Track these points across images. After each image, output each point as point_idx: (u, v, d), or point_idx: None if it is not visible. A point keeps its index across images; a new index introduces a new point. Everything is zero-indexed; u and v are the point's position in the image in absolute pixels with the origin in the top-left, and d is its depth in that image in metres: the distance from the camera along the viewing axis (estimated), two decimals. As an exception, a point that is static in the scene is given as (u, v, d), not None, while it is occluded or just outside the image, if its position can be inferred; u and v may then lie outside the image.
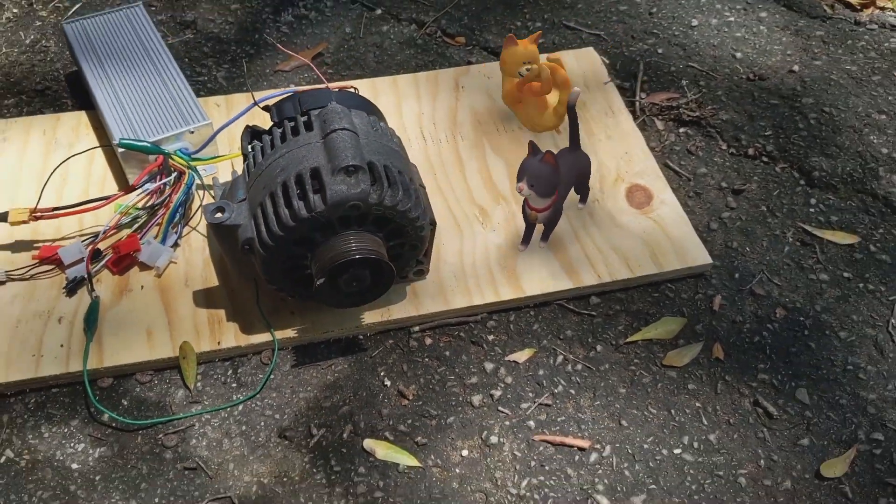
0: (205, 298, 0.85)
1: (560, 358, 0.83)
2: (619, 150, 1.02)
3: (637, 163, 1.00)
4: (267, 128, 0.81)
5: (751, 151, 1.05)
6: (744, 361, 0.83)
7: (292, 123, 0.77)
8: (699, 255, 0.90)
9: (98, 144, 0.99)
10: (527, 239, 0.90)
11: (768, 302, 0.88)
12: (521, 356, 0.83)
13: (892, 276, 0.91)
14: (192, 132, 0.95)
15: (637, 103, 1.11)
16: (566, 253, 0.90)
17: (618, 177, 0.99)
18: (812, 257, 0.93)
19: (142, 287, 0.86)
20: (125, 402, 0.78)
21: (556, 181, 0.83)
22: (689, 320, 0.86)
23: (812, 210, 0.98)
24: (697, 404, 0.80)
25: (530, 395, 0.80)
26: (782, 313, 0.87)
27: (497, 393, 0.80)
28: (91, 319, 0.81)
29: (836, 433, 0.77)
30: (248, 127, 0.83)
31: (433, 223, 0.79)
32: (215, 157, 0.96)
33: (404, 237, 0.77)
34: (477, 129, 1.04)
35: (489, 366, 0.82)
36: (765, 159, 1.04)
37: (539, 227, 0.89)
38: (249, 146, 0.81)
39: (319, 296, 0.75)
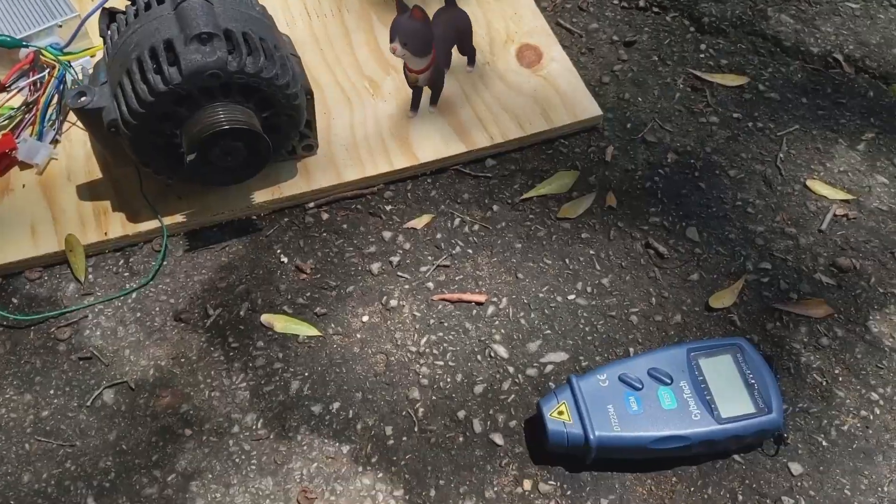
0: (89, 191, 0.82)
1: (457, 221, 0.83)
2: (508, 10, 0.99)
3: (526, 22, 0.98)
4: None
5: (642, 3, 1.03)
6: (636, 207, 0.84)
7: (146, -2, 0.73)
8: (589, 108, 0.89)
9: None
10: (415, 105, 0.88)
11: (660, 148, 0.89)
12: (419, 222, 0.83)
13: (780, 113, 0.92)
14: (61, 26, 0.90)
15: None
16: (457, 116, 0.89)
17: (507, 38, 0.96)
18: (702, 101, 0.93)
19: (23, 186, 0.82)
20: (15, 300, 0.76)
21: (429, 37, 0.81)
22: (582, 173, 0.86)
23: (702, 56, 0.98)
24: (591, 252, 0.81)
25: (429, 258, 0.80)
26: (673, 157, 0.88)
27: (396, 259, 0.80)
28: (-33, 223, 0.78)
29: (725, 266, 0.79)
30: (105, 9, 0.78)
31: (309, 93, 0.77)
32: (90, 49, 0.91)
33: (277, 107, 0.74)
34: (363, 2, 1.00)
35: (387, 234, 0.82)
36: (655, 10, 1.03)
37: (427, 92, 0.88)
38: (107, 28, 0.77)
39: (195, 174, 0.73)
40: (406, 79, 0.85)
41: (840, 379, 0.72)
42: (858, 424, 0.69)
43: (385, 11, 0.99)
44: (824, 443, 0.68)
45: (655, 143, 0.89)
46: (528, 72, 0.93)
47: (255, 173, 0.76)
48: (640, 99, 0.93)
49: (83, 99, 0.71)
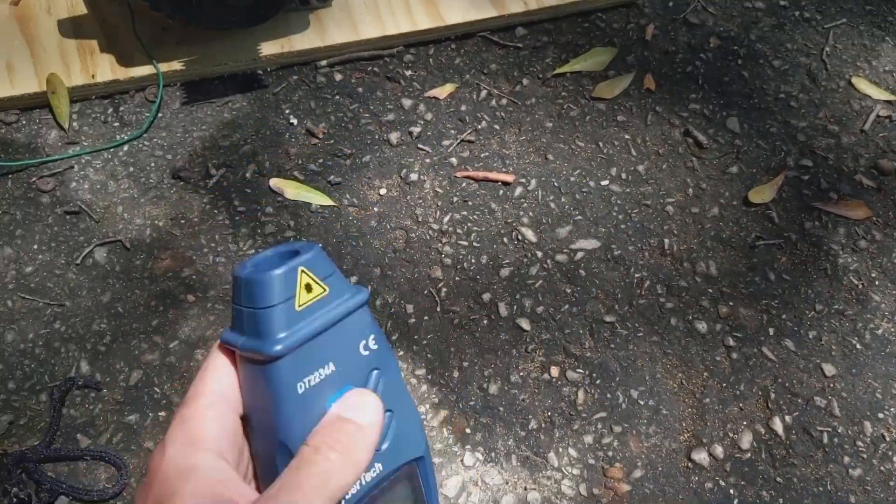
0: (73, 28, 0.72)
1: (484, 93, 0.76)
2: None
3: None
4: None
5: None
6: (675, 92, 0.78)
7: None
8: (633, -19, 0.82)
9: None
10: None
11: (702, 31, 0.82)
12: (442, 92, 0.76)
13: (828, 5, 0.86)
14: None
15: None
16: (489, -22, 0.80)
17: None
18: (750, -14, 0.86)
19: (-7, 19, 0.72)
20: (-12, 147, 0.68)
21: None
22: (619, 51, 0.80)
23: (753, -63, 0.90)
24: (626, 136, 0.75)
25: (452, 131, 0.74)
26: (716, 42, 0.82)
27: (416, 130, 0.73)
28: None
29: (766, 161, 0.75)
30: None
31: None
32: None
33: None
34: None
35: (407, 102, 0.75)
36: None
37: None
38: None
39: (202, 12, 0.65)
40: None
41: (877, 283, 0.69)
42: (893, 329, 0.67)
43: None
44: (858, 346, 0.66)
45: (698, 26, 0.83)
46: (565, -65, 0.84)
47: (268, 17, 0.68)
48: (682, -24, 0.86)
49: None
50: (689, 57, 0.81)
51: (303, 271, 0.25)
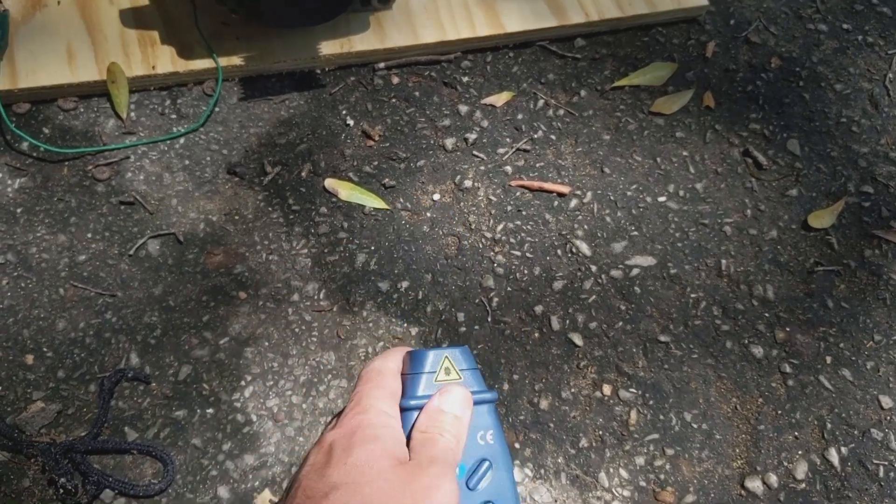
0: (134, 18, 0.72)
1: (541, 102, 0.75)
2: None
3: None
4: None
5: None
6: (735, 111, 0.77)
7: None
8: (696, -3, 0.81)
9: None
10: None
11: (763, 51, 0.81)
12: (499, 99, 0.75)
13: (892, 30, 0.84)
14: None
15: None
16: (550, -13, 0.79)
17: None
18: (811, 6, 0.85)
19: (58, 2, 0.72)
20: (47, 131, 0.68)
21: None
22: (679, 66, 0.79)
23: (816, -42, 0.89)
24: (685, 153, 0.74)
25: (508, 140, 0.73)
26: (777, 63, 0.81)
27: (472, 137, 0.73)
28: (2, 34, 0.68)
29: (826, 185, 0.73)
30: None
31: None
32: None
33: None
34: None
35: (463, 108, 0.74)
36: None
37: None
38: None
39: (266, 8, 0.64)
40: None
41: (938, 317, 0.67)
42: (954, 365, 0.65)
43: None
44: (918, 380, 0.64)
45: (759, 45, 0.81)
46: (628, -53, 0.83)
47: (333, 16, 0.67)
48: (745, -6, 0.85)
49: None
50: (749, 76, 0.79)
51: (446, 357, 0.34)
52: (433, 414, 0.34)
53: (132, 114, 0.69)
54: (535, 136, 0.74)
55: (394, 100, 0.74)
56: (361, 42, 0.74)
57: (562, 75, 0.77)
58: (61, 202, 0.65)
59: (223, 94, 0.71)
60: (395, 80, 0.75)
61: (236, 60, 0.71)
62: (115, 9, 0.72)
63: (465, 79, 0.76)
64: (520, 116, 0.74)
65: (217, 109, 0.71)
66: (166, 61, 0.70)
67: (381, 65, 0.75)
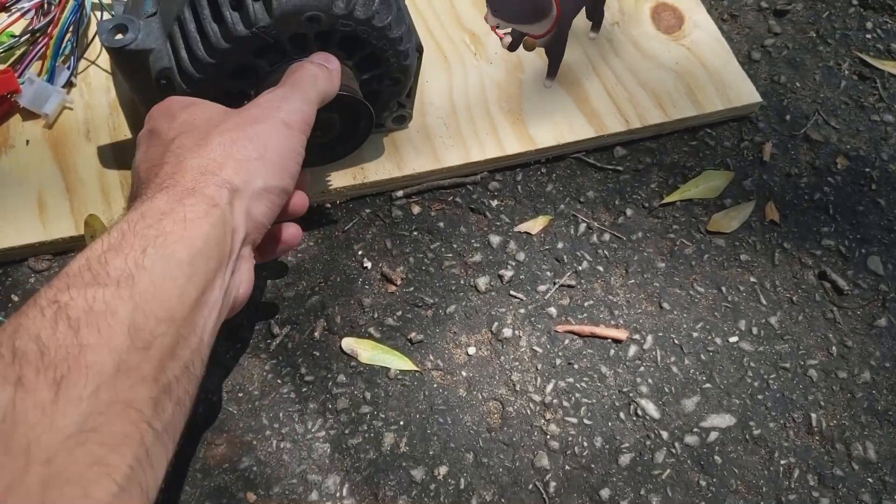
0: (115, 156, 0.63)
1: (582, 227, 0.66)
2: (641, -41, 0.80)
3: (663, -24, 0.79)
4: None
5: (793, -36, 0.85)
6: (804, 224, 0.68)
7: None
8: (746, 92, 0.72)
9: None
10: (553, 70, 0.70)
11: (826, 150, 0.72)
12: (535, 226, 0.66)
13: (968, 118, 0.75)
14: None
15: None
16: (582, 91, 0.70)
17: (641, -6, 0.78)
18: (873, 94, 0.76)
19: (27, 142, 0.63)
20: (16, 298, 0.58)
21: (521, 5, 0.63)
22: (735, 174, 0.69)
23: (869, 36, 0.80)
24: (752, 279, 0.64)
25: (548, 274, 0.63)
26: (844, 163, 0.71)
27: (507, 273, 0.63)
28: (-46, 189, 0.59)
29: (916, 309, 0.64)
30: (154, -90, 0.58)
31: (420, 49, 0.58)
32: (113, -36, 0.70)
33: (383, 67, 0.56)
34: (459, -69, 0.80)
35: (495, 239, 0.65)
36: (810, -26, 0.85)
37: (538, 56, 0.69)
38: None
39: (273, 152, 0.55)
40: (515, 45, 0.67)
41: None
42: None
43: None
44: None
45: (821, 143, 0.72)
46: (666, 38, 0.75)
47: (347, 153, 0.58)
48: (797, 84, 0.76)
49: (122, 37, 0.52)
50: (814, 181, 0.70)
51: None
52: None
53: (115, 271, 0.60)
54: (580, 267, 0.64)
55: (416, 233, 0.64)
56: (376, 169, 0.65)
57: (603, 192, 0.68)
58: (33, 388, 0.55)
59: (220, 239, 0.62)
60: (416, 209, 0.66)
61: (233, 200, 0.62)
62: (93, 146, 0.63)
63: (495, 203, 0.67)
64: (560, 245, 0.65)
65: (213, 259, 0.61)
66: (153, 207, 0.60)
67: (400, 193, 0.66)
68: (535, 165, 0.69)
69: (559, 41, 0.66)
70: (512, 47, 0.70)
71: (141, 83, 0.55)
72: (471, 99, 0.69)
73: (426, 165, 0.65)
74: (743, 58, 0.77)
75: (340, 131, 0.56)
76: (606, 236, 0.66)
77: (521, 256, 0.64)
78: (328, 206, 0.65)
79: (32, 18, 0.66)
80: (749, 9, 0.81)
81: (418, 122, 0.67)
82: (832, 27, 0.80)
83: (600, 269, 0.64)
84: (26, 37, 0.65)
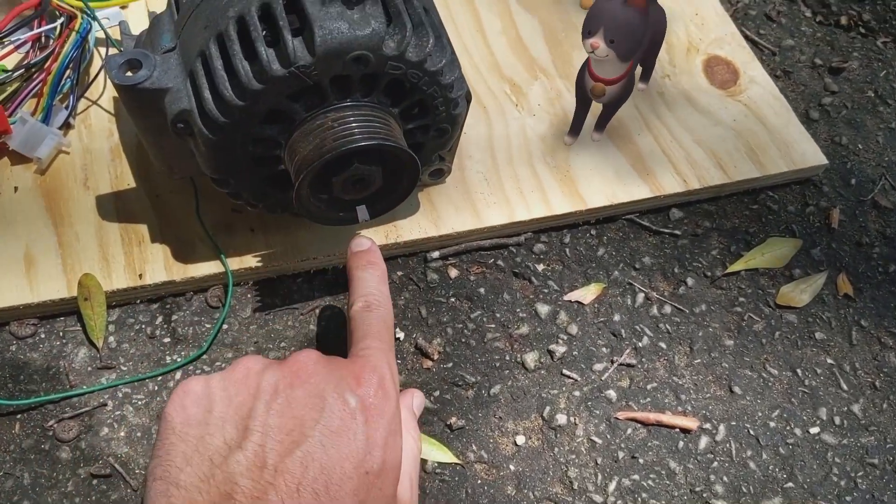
0: (116, 206, 0.56)
1: (640, 297, 0.59)
2: (687, 9, 0.75)
3: (713, 27, 0.74)
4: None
5: (843, 21, 0.80)
6: (880, 299, 0.61)
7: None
8: (810, 153, 0.66)
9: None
10: (577, 127, 0.64)
11: (898, 218, 0.66)
12: (587, 294, 0.59)
13: None
14: (86, -45, 0.63)
15: (696, -48, 0.84)
16: (634, 147, 0.64)
17: (690, 45, 0.73)
18: (941, 159, 0.71)
19: (15, 189, 0.56)
20: (-8, 370, 0.50)
21: (643, 36, 0.57)
22: (802, 242, 0.63)
23: (930, 98, 0.75)
24: (829, 360, 0.58)
25: (605, 350, 0.56)
26: (918, 233, 0.65)
27: (559, 349, 0.56)
28: (-71, 240, 0.51)
29: None
30: (175, -65, 0.52)
31: (469, 97, 0.52)
32: (122, -5, 0.64)
33: (430, 116, 0.49)
34: (496, -25, 0.75)
35: (543, 309, 0.57)
36: (862, 31, 0.80)
37: (593, 111, 0.63)
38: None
39: (301, 208, 0.48)
40: (581, 89, 0.61)
41: None
42: None
43: (526, -8, 0.74)
44: None
45: (890, 210, 0.66)
46: (721, 93, 0.69)
47: (386, 210, 0.51)
48: (860, 146, 0.70)
49: (134, 74, 0.45)
50: (887, 251, 0.64)
51: None
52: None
53: (111, 339, 0.52)
54: (640, 343, 0.57)
55: (453, 299, 0.57)
56: (411, 228, 0.58)
57: (660, 258, 0.61)
58: (9, 478, 0.46)
59: (234, 304, 0.54)
60: (454, 272, 0.58)
61: (251, 260, 0.54)
62: (91, 195, 0.56)
63: (541, 267, 0.60)
64: (617, 318, 0.58)
65: (226, 326, 0.53)
66: (158, 266, 0.53)
67: (436, 254, 0.59)
68: (584, 227, 0.62)
69: (628, 88, 0.60)
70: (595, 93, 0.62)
71: (153, 127, 0.48)
72: (513, 153, 0.63)
73: (466, 224, 0.58)
74: (801, 117, 0.71)
75: (380, 186, 0.49)
76: (667, 308, 0.59)
77: (574, 329, 0.57)
78: (356, 268, 0.57)
79: (28, 52, 0.60)
80: (802, 65, 0.76)
81: (456, 177, 0.60)
82: (891, 86, 0.75)
83: (662, 345, 0.57)
84: (20, 72, 0.58)
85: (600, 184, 0.62)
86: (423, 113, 0.49)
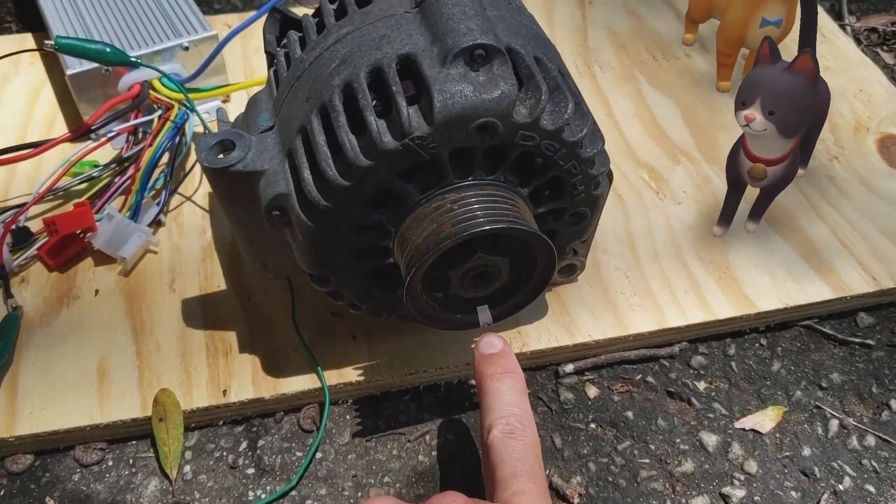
0: (203, 312, 0.49)
1: (833, 424, 0.46)
2: (849, 86, 0.66)
3: (881, 104, 0.64)
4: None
5: None
6: None
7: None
8: None
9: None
10: (728, 216, 0.54)
11: None
12: (764, 421, 0.47)
13: None
14: (188, 48, 0.60)
15: (847, 29, 0.75)
16: (806, 239, 0.54)
17: (858, 124, 0.62)
18: None
19: (96, 292, 0.50)
20: (51, 503, 0.42)
21: (810, 109, 0.48)
22: None
23: None
24: None
25: (795, 495, 0.43)
26: None
27: (736, 493, 0.43)
28: (2, 346, 0.46)
29: None
30: (274, 10, 0.47)
31: (610, 176, 0.43)
32: (223, 87, 0.60)
33: (566, 198, 0.41)
34: (621, 56, 0.68)
35: (710, 439, 0.46)
36: None
37: (744, 198, 0.53)
38: (278, 38, 0.46)
39: (412, 308, 0.39)
40: (734, 172, 0.51)
41: None
42: None
43: (653, 69, 0.66)
44: None
45: None
46: (903, 177, 0.58)
47: (515, 311, 0.42)
48: None
49: (230, 155, 0.39)
50: None
51: None
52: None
53: (186, 468, 0.44)
54: (840, 486, 0.44)
55: (594, 426, 0.46)
56: (538, 335, 0.48)
57: (851, 374, 0.49)
58: None
59: (330, 427, 0.45)
60: (593, 391, 0.48)
61: (351, 373, 0.46)
62: (177, 298, 0.50)
63: (702, 385, 0.48)
64: (806, 451, 0.45)
65: (319, 455, 0.44)
66: (245, 380, 0.45)
67: (569, 367, 0.48)
68: (752, 335, 0.51)
69: (792, 169, 0.50)
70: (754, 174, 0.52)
71: (246, 217, 0.41)
72: (658, 247, 0.53)
73: (605, 331, 0.48)
74: None
75: (506, 283, 0.40)
76: (870, 440, 0.46)
77: (752, 467, 0.44)
78: (472, 383, 0.48)
79: (123, 147, 0.56)
80: None
81: (591, 274, 0.51)
82: None
83: (870, 488, 0.44)
84: (112, 166, 0.54)
85: (769, 283, 0.51)
86: (558, 194, 0.40)
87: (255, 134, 0.41)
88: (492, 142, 0.36)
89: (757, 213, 0.54)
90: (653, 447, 0.45)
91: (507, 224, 0.36)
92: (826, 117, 0.56)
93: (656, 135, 0.61)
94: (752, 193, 0.53)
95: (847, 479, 0.44)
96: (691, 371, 0.49)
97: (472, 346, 0.40)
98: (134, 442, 0.45)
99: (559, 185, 0.40)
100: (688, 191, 0.57)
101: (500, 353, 0.38)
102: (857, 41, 0.74)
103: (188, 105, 0.56)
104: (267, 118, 0.42)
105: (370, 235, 0.39)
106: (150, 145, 0.53)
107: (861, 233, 0.54)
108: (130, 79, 0.57)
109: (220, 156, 0.40)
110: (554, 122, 0.37)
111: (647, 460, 0.45)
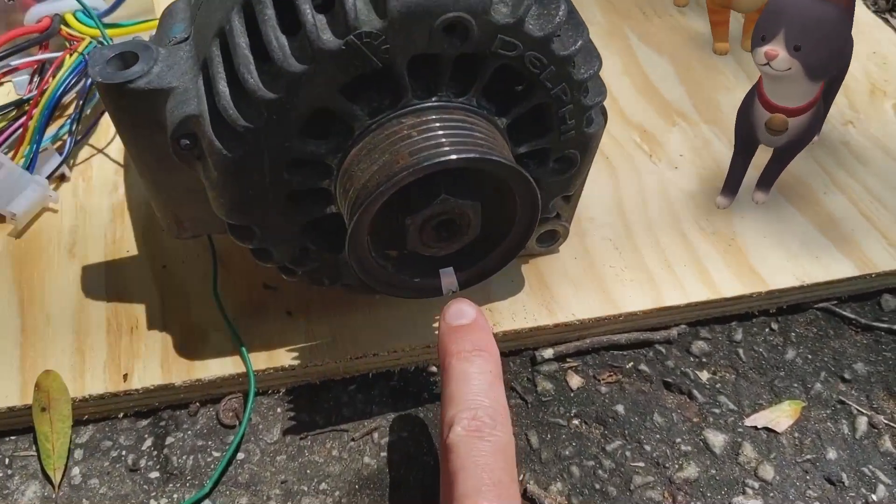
0: (108, 280, 0.40)
1: (861, 423, 0.39)
2: (862, 47, 0.59)
3: (897, 68, 0.57)
4: None
5: None
6: None
7: None
8: None
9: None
10: (734, 184, 0.47)
11: None
12: (780, 417, 0.39)
13: None
14: (109, -19, 0.51)
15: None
16: (822, 210, 0.46)
17: (874, 87, 0.56)
18: None
19: (-16, 257, 0.41)
20: None
21: (845, 44, 0.41)
22: None
23: None
24: None
25: (818, 505, 0.36)
26: None
27: (749, 503, 0.36)
28: None
29: None
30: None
31: (605, 113, 0.35)
32: (147, 21, 0.52)
33: (552, 133, 0.33)
34: (608, 11, 0.61)
35: (716, 438, 0.38)
36: None
37: (755, 161, 0.46)
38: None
39: (356, 267, 0.31)
40: (746, 126, 0.44)
41: None
42: None
43: (643, 25, 0.59)
44: None
45: None
46: (926, 144, 0.51)
47: (484, 276, 0.34)
48: None
49: (131, 69, 0.31)
50: None
51: None
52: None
53: (75, 471, 0.35)
54: (874, 496, 0.36)
55: (577, 422, 0.38)
56: (513, 313, 0.40)
57: (878, 364, 0.42)
58: None
59: (255, 422, 0.37)
60: (576, 380, 0.40)
61: (284, 356, 0.37)
62: (77, 265, 0.41)
63: (705, 376, 0.41)
64: (831, 455, 0.38)
65: (241, 456, 0.36)
66: (152, 363, 0.37)
67: (549, 352, 0.41)
68: (761, 318, 0.43)
69: (817, 123, 0.43)
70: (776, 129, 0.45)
71: (152, 151, 0.33)
72: (652, 216, 0.45)
73: (592, 310, 0.40)
74: None
75: (474, 239, 0.32)
76: (903, 440, 0.39)
77: (768, 472, 0.37)
78: (433, 369, 0.40)
79: (25, 85, 0.47)
80: None
81: (575, 245, 0.43)
82: None
83: (906, 498, 0.36)
84: (9, 108, 0.45)
85: (782, 258, 0.43)
86: (544, 129, 0.33)
87: (168, 45, 0.32)
88: (462, 48, 0.28)
89: (768, 180, 0.47)
90: (648, 448, 0.38)
91: (480, 154, 0.28)
92: (846, 71, 0.49)
93: (648, 94, 0.53)
94: (760, 160, 0.46)
95: (881, 488, 0.37)
96: (692, 359, 0.41)
97: (438, 317, 0.32)
98: (13, 438, 0.36)
99: (545, 116, 0.32)
100: (685, 154, 0.49)
101: (472, 324, 0.30)
102: (872, 2, 0.68)
103: (104, 42, 0.48)
104: (182, 29, 0.33)
105: (305, 173, 0.31)
106: (52, 79, 0.44)
107: (884, 204, 0.47)
108: (40, 11, 0.48)
109: (121, 71, 0.31)
110: (542, 27, 0.29)
111: (641, 464, 0.37)
